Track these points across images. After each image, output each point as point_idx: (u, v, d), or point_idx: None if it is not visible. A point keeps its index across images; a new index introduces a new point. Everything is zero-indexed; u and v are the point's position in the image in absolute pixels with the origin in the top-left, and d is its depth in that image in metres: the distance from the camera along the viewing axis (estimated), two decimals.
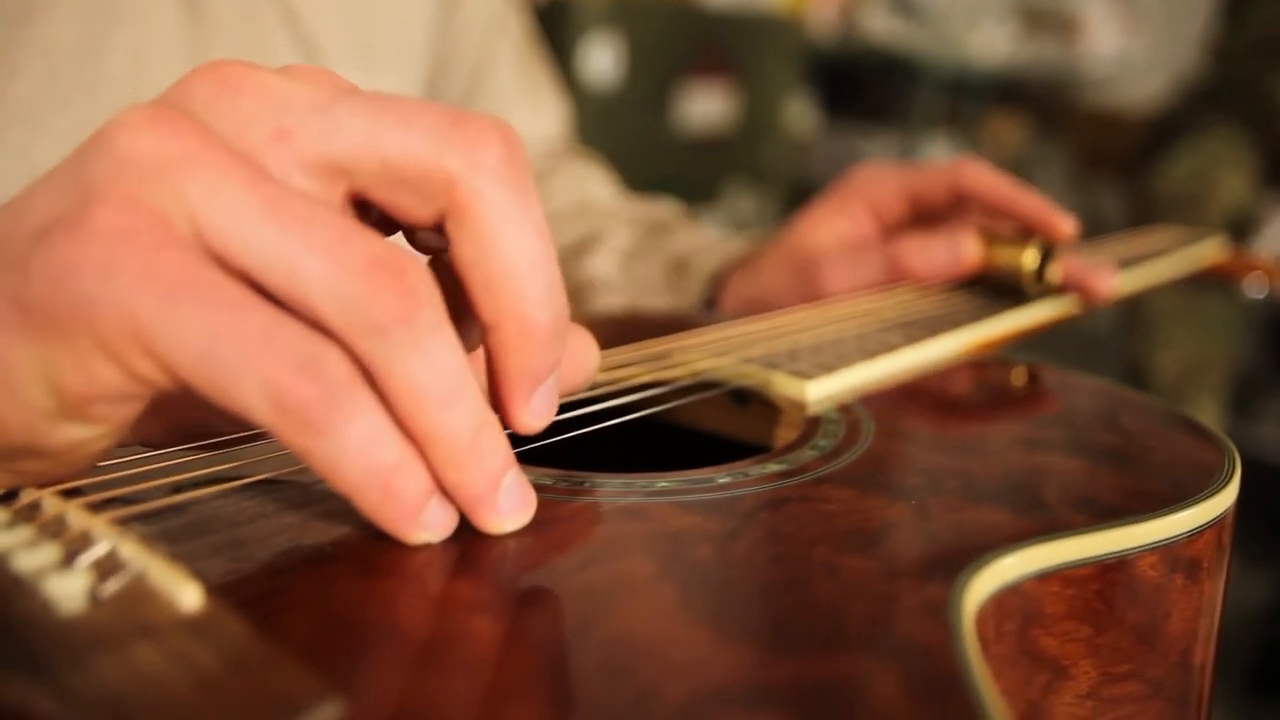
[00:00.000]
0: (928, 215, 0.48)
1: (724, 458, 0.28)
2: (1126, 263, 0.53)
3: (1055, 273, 0.45)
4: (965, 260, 0.45)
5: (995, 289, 0.45)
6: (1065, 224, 0.45)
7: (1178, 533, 0.25)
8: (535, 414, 0.23)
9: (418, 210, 0.21)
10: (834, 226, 0.49)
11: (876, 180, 0.49)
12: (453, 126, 0.21)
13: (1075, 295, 0.46)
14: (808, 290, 0.47)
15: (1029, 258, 0.44)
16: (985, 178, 0.46)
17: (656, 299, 0.54)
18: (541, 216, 0.22)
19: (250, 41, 0.46)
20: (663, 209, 0.62)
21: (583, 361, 0.26)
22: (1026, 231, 0.46)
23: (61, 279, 0.19)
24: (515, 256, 0.21)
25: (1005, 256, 0.45)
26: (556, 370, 0.23)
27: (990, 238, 0.46)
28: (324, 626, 0.18)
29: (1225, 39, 1.70)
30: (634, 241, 0.57)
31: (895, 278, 0.46)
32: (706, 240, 0.56)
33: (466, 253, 0.21)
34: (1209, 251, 0.62)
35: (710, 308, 0.51)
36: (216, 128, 0.20)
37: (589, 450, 0.31)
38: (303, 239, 0.19)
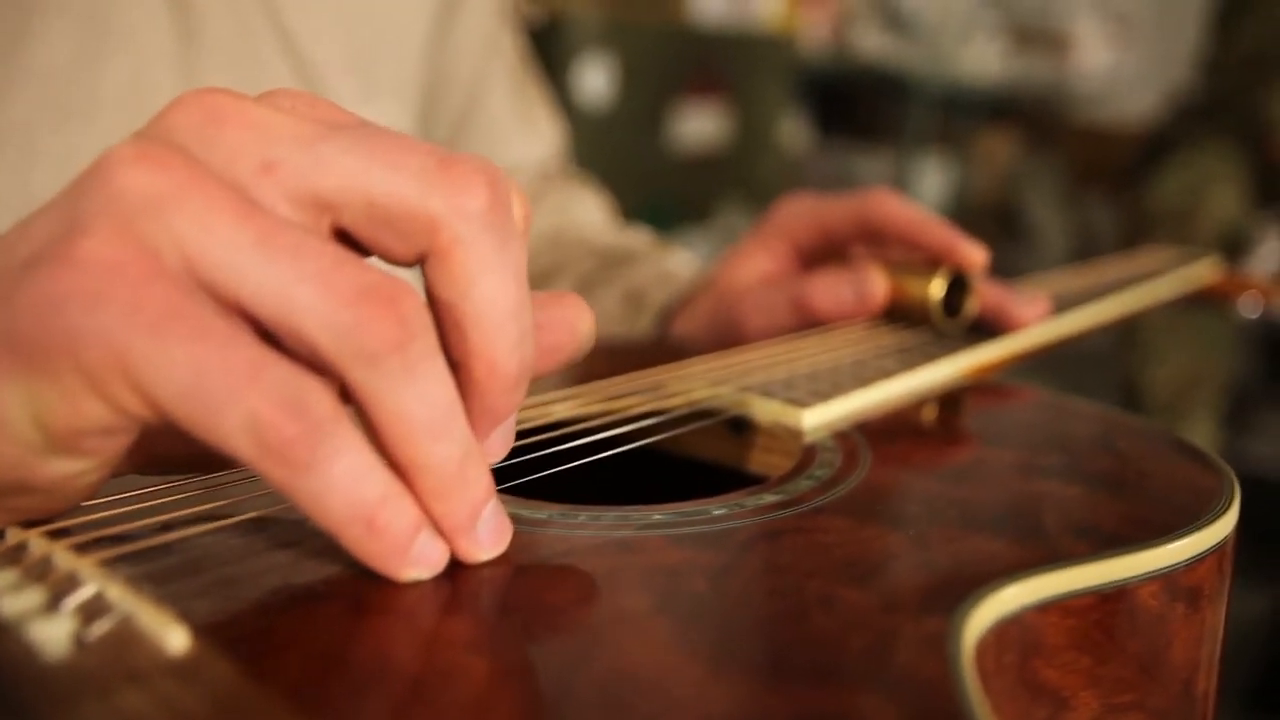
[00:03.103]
0: (842, 248, 0.47)
1: (721, 486, 0.28)
2: (1121, 284, 0.53)
3: (971, 305, 0.43)
4: (871, 297, 0.43)
5: (917, 329, 0.43)
6: (975, 253, 0.42)
7: (1178, 561, 0.25)
8: (491, 450, 0.23)
9: (399, 249, 0.21)
10: (755, 264, 0.48)
11: (794, 214, 0.47)
12: (439, 169, 0.21)
13: (1003, 336, 0.43)
14: (728, 329, 0.46)
15: (935, 288, 0.42)
16: (893, 208, 0.44)
17: (612, 330, 0.52)
18: (522, 263, 0.22)
19: (245, 64, 0.46)
20: (634, 238, 0.61)
21: (571, 331, 0.25)
22: (935, 263, 0.43)
23: (47, 311, 0.19)
24: (491, 304, 0.21)
25: (913, 289, 0.43)
26: (515, 412, 0.23)
27: (897, 271, 0.43)
28: (315, 666, 0.18)
29: (1216, 55, 1.71)
30: (593, 271, 0.56)
31: (804, 316, 0.44)
32: (667, 271, 0.54)
33: (444, 294, 0.21)
34: (1203, 272, 0.62)
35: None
36: (203, 159, 0.20)
37: (586, 481, 0.31)
38: (294, 268, 0.19)
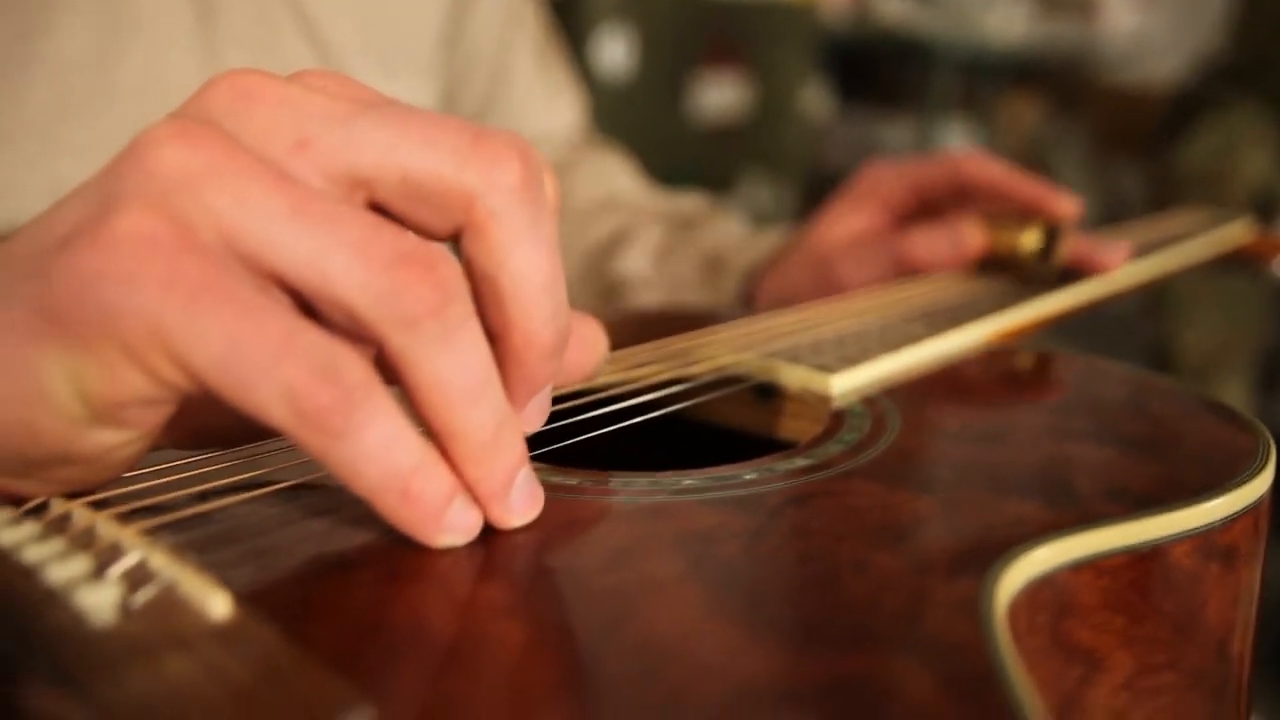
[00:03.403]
0: (934, 206, 0.49)
1: (750, 453, 0.28)
2: (1152, 247, 0.53)
3: (1062, 253, 0.46)
4: (968, 247, 0.46)
5: (1011, 275, 0.46)
6: (1067, 204, 0.46)
7: (1212, 520, 0.25)
8: (529, 419, 0.24)
9: (434, 223, 0.22)
10: (849, 224, 0.50)
11: (885, 177, 0.50)
12: (473, 144, 0.21)
13: (1091, 277, 0.46)
14: (827, 286, 0.48)
15: (1030, 239, 0.45)
16: (985, 166, 0.47)
17: (691, 296, 0.55)
18: (554, 236, 0.22)
19: (265, 48, 0.46)
20: (690, 202, 0.62)
21: (591, 349, 0.26)
22: (1029, 214, 0.46)
23: (85, 285, 0.19)
24: (527, 275, 0.21)
25: (1007, 240, 0.46)
26: (551, 382, 0.23)
27: (993, 223, 0.46)
28: (351, 633, 0.18)
29: (1245, 14, 1.67)
30: (665, 238, 0.58)
31: (904, 269, 0.47)
32: (738, 236, 0.57)
33: (480, 267, 0.21)
34: (1235, 233, 0.61)
35: (746, 304, 0.53)
36: (237, 137, 0.20)
37: (614, 448, 0.31)
38: (331, 235, 0.20)
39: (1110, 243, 0.47)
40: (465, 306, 0.20)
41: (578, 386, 0.32)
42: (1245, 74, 1.62)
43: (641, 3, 1.82)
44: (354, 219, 0.20)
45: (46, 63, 0.40)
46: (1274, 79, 1.58)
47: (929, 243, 0.46)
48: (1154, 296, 1.55)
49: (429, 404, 0.20)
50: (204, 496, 0.23)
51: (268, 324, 0.19)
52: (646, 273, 0.57)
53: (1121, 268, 0.47)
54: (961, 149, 0.48)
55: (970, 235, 0.46)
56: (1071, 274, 0.46)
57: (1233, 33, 1.70)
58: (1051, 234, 0.46)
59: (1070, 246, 0.46)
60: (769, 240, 0.55)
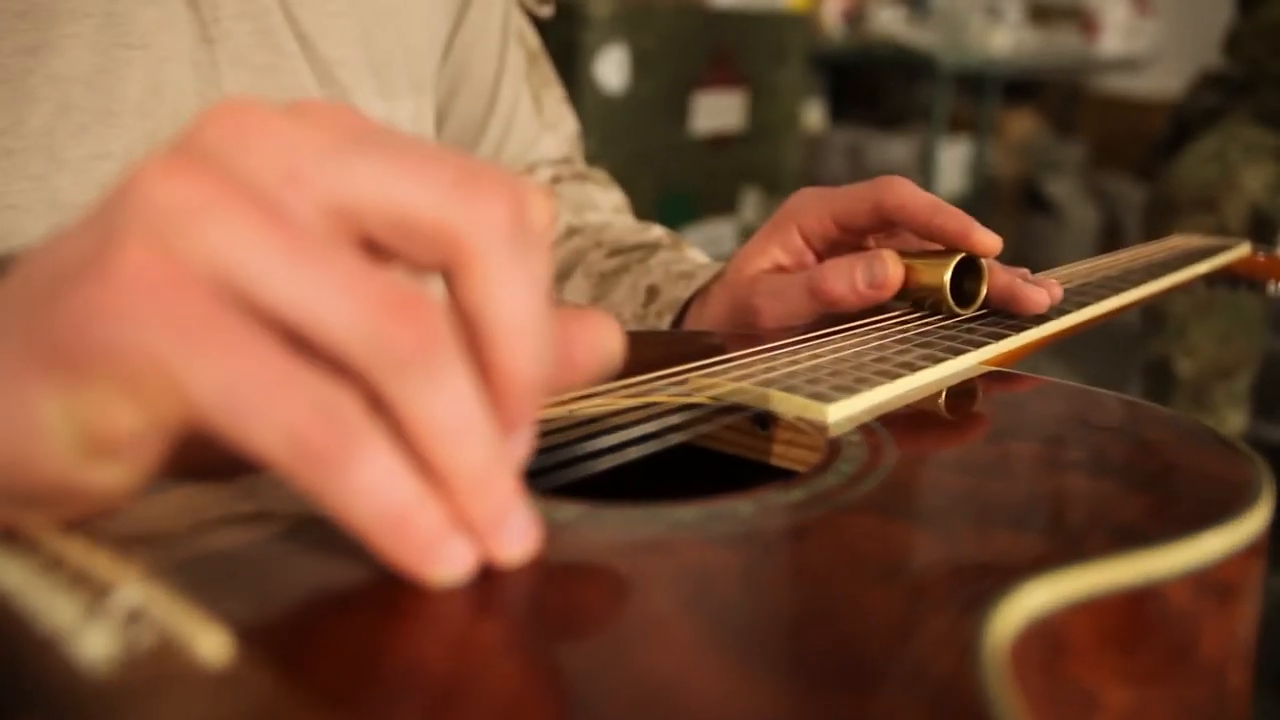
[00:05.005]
0: (858, 237, 0.47)
1: (744, 477, 0.28)
2: (1145, 273, 0.53)
3: (981, 291, 0.43)
4: (884, 281, 0.43)
5: (933, 315, 0.44)
6: (989, 240, 0.43)
7: (1209, 557, 0.25)
8: (510, 453, 0.23)
9: (421, 259, 0.22)
10: (769, 256, 0.48)
11: (807, 207, 0.47)
12: (462, 183, 0.21)
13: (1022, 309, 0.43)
14: (744, 319, 0.46)
15: (947, 275, 0.42)
16: (907, 196, 0.44)
17: (626, 324, 0.53)
18: (542, 274, 0.22)
19: (265, 67, 0.46)
20: (649, 233, 0.61)
21: (599, 348, 0.25)
22: (952, 250, 0.43)
23: (85, 323, 0.19)
24: (510, 316, 0.22)
25: (925, 276, 0.43)
26: (533, 417, 0.23)
27: (912, 257, 0.44)
28: (348, 671, 0.18)
29: (1242, 29, 1.68)
30: (608, 266, 0.57)
31: (819, 303, 0.44)
32: (681, 267, 0.55)
33: (464, 304, 0.22)
34: (1233, 259, 0.61)
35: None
36: (231, 170, 0.21)
37: (612, 473, 0.31)
38: (322, 277, 0.20)
39: (1040, 282, 0.44)
40: (452, 349, 0.20)
41: (579, 415, 0.32)
42: (1244, 89, 1.62)
43: (639, 20, 1.83)
44: (344, 261, 0.20)
45: (48, 79, 0.40)
46: (1271, 94, 1.59)
47: (844, 275, 0.43)
48: (1156, 317, 1.55)
49: (419, 443, 0.21)
50: (203, 531, 0.23)
51: (266, 362, 0.19)
52: (582, 301, 0.56)
53: (1047, 308, 0.43)
54: (892, 178, 0.45)
55: (887, 270, 0.43)
56: (1005, 314, 0.44)
57: (1231, 47, 1.70)
58: (967, 269, 0.43)
59: (997, 284, 0.43)
60: (708, 272, 0.53)
